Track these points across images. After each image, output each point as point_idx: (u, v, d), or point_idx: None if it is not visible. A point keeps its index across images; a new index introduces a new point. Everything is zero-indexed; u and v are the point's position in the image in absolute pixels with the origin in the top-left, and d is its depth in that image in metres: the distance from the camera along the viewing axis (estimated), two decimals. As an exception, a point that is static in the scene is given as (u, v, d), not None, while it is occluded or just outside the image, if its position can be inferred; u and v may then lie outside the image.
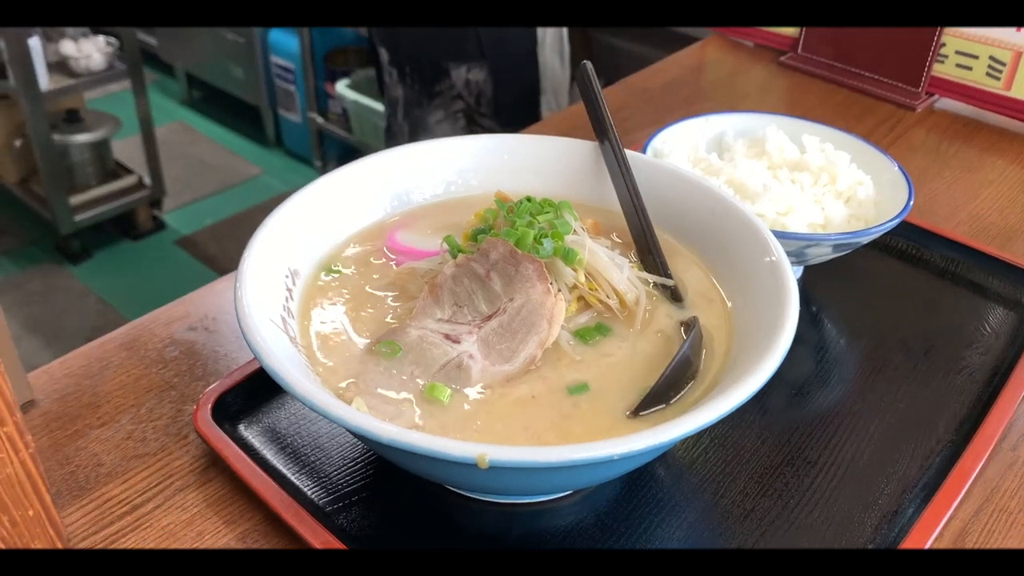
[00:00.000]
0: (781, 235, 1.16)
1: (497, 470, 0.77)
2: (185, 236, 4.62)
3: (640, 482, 1.02)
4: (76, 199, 4.30)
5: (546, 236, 0.99)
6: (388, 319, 1.00)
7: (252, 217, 4.52)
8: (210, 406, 1.07)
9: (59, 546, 0.89)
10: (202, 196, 4.93)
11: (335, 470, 1.02)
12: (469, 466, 0.76)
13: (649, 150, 1.33)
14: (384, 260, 1.09)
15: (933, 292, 1.35)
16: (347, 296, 1.03)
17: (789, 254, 1.18)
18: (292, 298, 1.00)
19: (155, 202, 4.65)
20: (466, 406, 0.89)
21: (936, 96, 1.93)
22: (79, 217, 4.30)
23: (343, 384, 0.92)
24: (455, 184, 1.19)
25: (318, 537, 0.93)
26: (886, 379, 1.18)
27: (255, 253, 0.97)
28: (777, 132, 1.38)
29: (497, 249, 0.98)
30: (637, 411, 0.88)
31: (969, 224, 1.53)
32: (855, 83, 1.98)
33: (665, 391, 0.90)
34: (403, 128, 3.29)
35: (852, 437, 1.09)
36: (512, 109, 3.13)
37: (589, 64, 1.17)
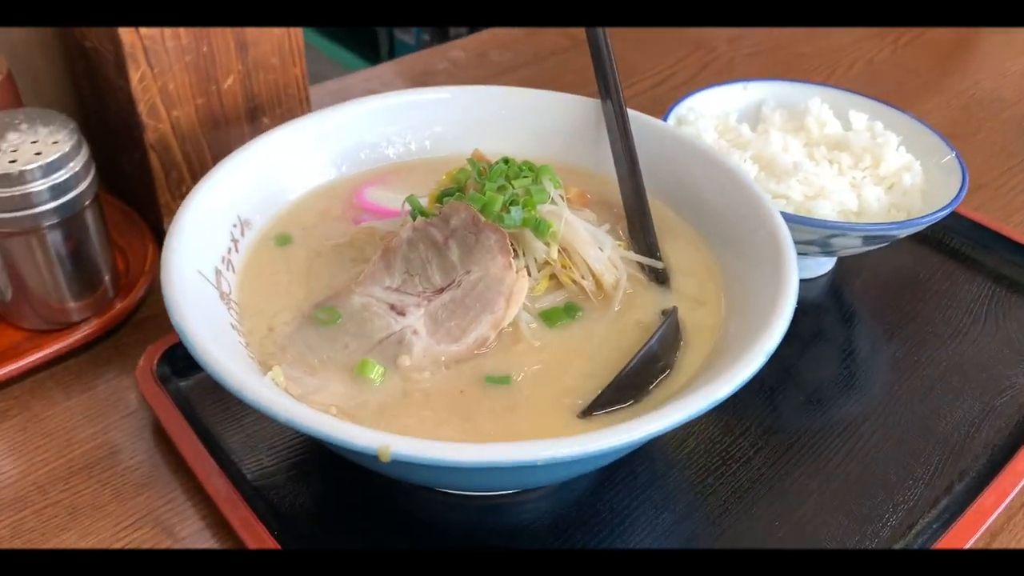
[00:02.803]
0: (802, 220, 1.02)
1: (411, 464, 0.67)
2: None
3: (618, 476, 0.91)
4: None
5: (517, 203, 0.87)
6: (338, 281, 0.91)
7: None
8: (155, 360, 1.00)
9: None
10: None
11: (266, 445, 0.94)
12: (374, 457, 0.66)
13: (672, 116, 1.19)
14: (351, 218, 0.99)
15: (984, 298, 1.19)
16: (299, 253, 0.94)
17: (812, 243, 1.04)
18: (237, 250, 0.91)
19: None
20: (399, 388, 0.79)
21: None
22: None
23: (273, 350, 0.83)
24: (439, 139, 1.08)
25: (237, 513, 0.85)
26: (913, 392, 1.04)
27: (199, 198, 0.89)
28: (820, 105, 1.23)
29: (459, 214, 0.87)
30: (589, 410, 0.77)
31: (1038, 224, 1.36)
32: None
33: (626, 388, 0.78)
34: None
35: (857, 454, 0.96)
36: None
37: None
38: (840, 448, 0.97)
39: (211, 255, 0.87)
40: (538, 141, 1.08)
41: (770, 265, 0.84)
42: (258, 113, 1.18)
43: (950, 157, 1.15)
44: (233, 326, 0.83)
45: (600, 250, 0.90)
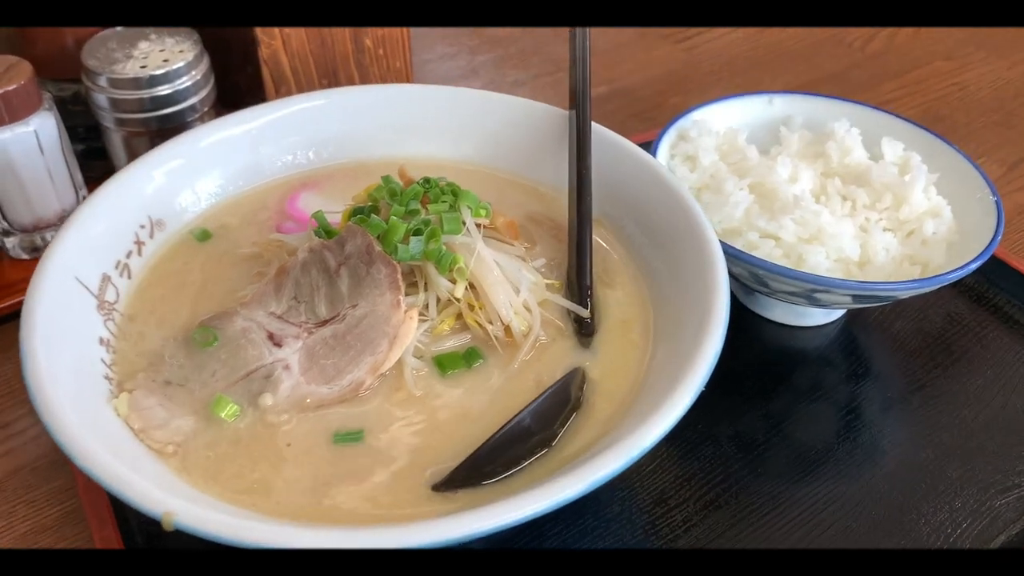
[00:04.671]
0: (774, 269, 0.89)
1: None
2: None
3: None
4: None
5: (422, 232, 0.78)
6: (242, 293, 0.84)
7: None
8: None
9: None
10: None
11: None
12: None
13: (673, 131, 1.07)
14: (274, 224, 0.92)
15: (1019, 371, 1.02)
16: (207, 260, 0.88)
17: (796, 295, 0.91)
18: (140, 253, 0.86)
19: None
20: (250, 432, 0.72)
21: None
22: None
23: (141, 367, 0.77)
24: (389, 142, 0.99)
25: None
26: (898, 479, 0.90)
27: (100, 198, 0.84)
28: (847, 130, 1.07)
29: (355, 240, 0.79)
30: (441, 485, 0.68)
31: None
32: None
33: (485, 465, 0.69)
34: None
35: (815, 539, 0.83)
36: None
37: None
38: (798, 525, 0.85)
39: (102, 259, 0.82)
40: (499, 151, 0.99)
41: (693, 333, 0.73)
42: (360, 34, 1.18)
43: (988, 204, 0.98)
44: (103, 340, 0.78)
45: (516, 291, 0.80)
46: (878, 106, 1.12)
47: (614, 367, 0.78)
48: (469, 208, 0.81)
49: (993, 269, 1.11)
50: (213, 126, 0.93)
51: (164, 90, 1.04)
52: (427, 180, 0.83)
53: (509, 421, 0.70)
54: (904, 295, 0.91)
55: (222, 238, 0.90)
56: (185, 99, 1.06)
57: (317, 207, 0.93)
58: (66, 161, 1.03)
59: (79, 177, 1.07)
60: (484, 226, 0.84)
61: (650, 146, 1.04)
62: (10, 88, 0.94)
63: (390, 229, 0.78)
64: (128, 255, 0.85)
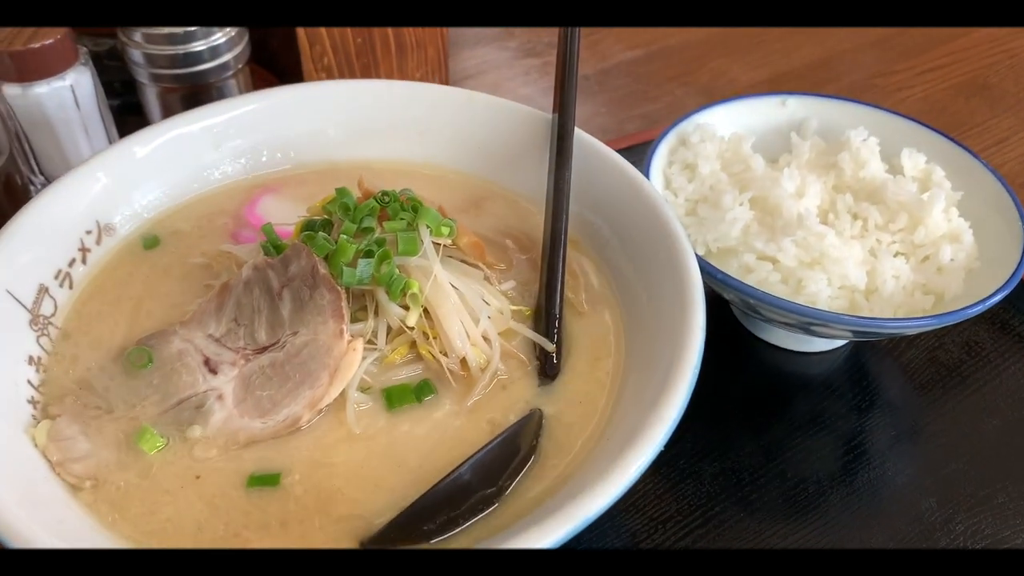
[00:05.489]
0: (765, 299, 0.81)
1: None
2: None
3: None
4: None
5: (372, 254, 0.72)
6: (186, 310, 0.79)
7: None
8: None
9: None
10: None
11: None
12: None
13: (673, 134, 0.99)
14: (230, 230, 0.86)
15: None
16: (151, 271, 0.82)
17: (790, 325, 0.83)
18: (84, 261, 0.81)
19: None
20: (174, 468, 0.67)
21: None
22: None
23: (69, 389, 0.72)
24: (361, 143, 0.92)
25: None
26: (885, 527, 0.83)
27: (45, 200, 0.78)
28: (865, 139, 0.98)
29: (299, 260, 0.73)
30: (371, 541, 0.62)
31: None
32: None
33: (419, 523, 0.62)
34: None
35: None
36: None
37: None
38: None
39: (41, 269, 0.77)
40: (480, 156, 0.92)
41: (661, 380, 0.66)
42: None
43: (1016, 229, 0.89)
44: (32, 358, 0.73)
45: (476, 321, 0.73)
46: (899, 112, 1.03)
47: (576, 411, 0.71)
48: (428, 227, 0.75)
49: (1018, 293, 1.02)
50: (171, 123, 0.87)
51: (199, 46, 1.04)
52: (386, 194, 0.77)
53: (447, 476, 0.64)
54: (910, 333, 0.83)
55: (172, 246, 0.84)
56: (219, 56, 1.05)
57: (278, 213, 0.87)
58: (101, 116, 1.04)
59: (114, 132, 1.08)
60: (446, 246, 0.77)
61: (648, 148, 0.96)
62: (46, 43, 0.95)
63: (338, 250, 0.72)
64: (71, 263, 0.80)
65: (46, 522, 0.59)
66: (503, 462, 0.65)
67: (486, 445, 0.66)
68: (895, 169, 0.98)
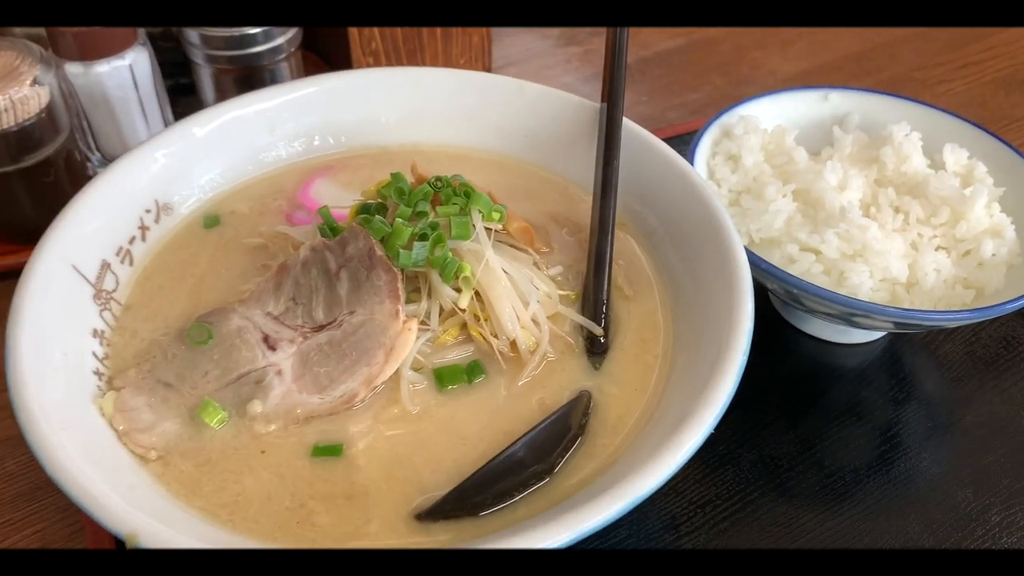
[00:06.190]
0: (809, 289, 0.82)
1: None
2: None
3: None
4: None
5: (426, 238, 0.74)
6: (243, 288, 0.81)
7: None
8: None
9: None
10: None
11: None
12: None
13: (716, 126, 1.00)
14: (284, 213, 0.89)
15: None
16: (213, 249, 0.85)
17: (831, 315, 0.85)
18: (144, 239, 0.84)
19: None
20: (236, 441, 0.69)
21: None
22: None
23: (134, 363, 0.75)
24: (412, 127, 0.94)
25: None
26: (912, 511, 0.84)
27: (105, 179, 0.81)
28: (907, 133, 0.99)
29: (356, 242, 0.75)
30: (427, 515, 0.64)
31: None
32: None
33: (473, 497, 0.65)
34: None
35: None
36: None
37: None
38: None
39: (103, 245, 0.79)
40: (530, 142, 0.93)
41: (711, 364, 0.67)
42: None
43: (1058, 225, 0.90)
44: (96, 332, 0.75)
45: (525, 304, 0.75)
46: (943, 108, 1.04)
47: (624, 393, 0.73)
48: (480, 212, 0.76)
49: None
50: (227, 105, 0.89)
51: (253, 29, 1.07)
52: (439, 179, 0.79)
53: (503, 452, 0.66)
54: (950, 325, 0.84)
55: (230, 226, 0.86)
56: (272, 39, 1.10)
57: (331, 195, 0.89)
58: (157, 95, 1.08)
59: (168, 111, 1.12)
60: (496, 231, 0.79)
61: (693, 137, 0.97)
62: None
63: (394, 233, 0.74)
64: (131, 241, 0.82)
65: (117, 485, 0.61)
66: (554, 441, 0.68)
67: (538, 424, 0.68)
68: (937, 164, 0.99)
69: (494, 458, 0.65)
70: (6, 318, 0.67)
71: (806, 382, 0.96)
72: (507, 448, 0.66)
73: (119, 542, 0.73)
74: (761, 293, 1.00)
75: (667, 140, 0.91)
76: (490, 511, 0.64)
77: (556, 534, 0.56)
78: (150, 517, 0.59)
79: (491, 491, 0.65)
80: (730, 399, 0.64)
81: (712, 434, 0.61)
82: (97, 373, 0.73)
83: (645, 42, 1.49)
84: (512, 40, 1.50)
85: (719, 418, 0.63)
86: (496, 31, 1.46)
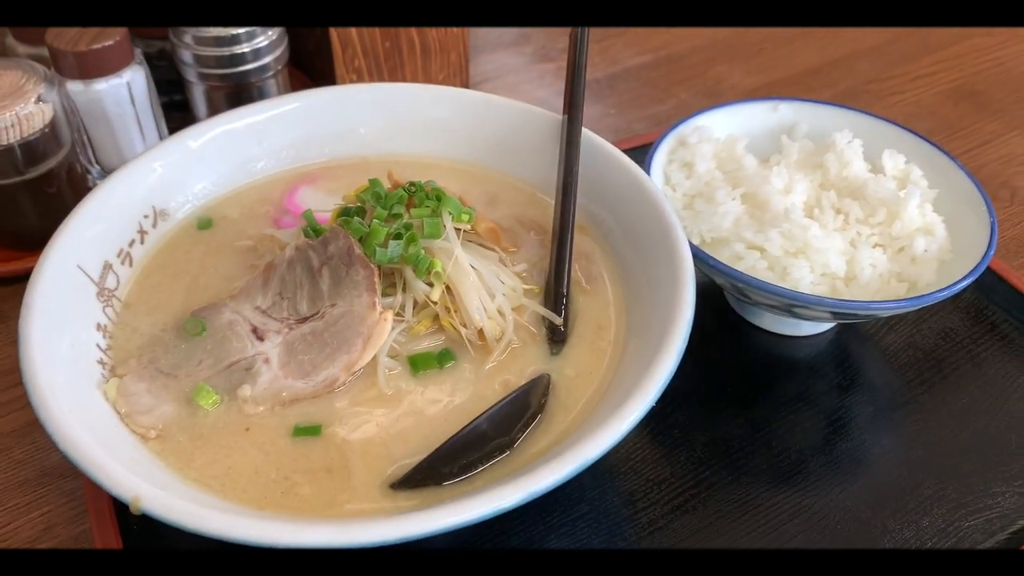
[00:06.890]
0: (754, 284, 0.90)
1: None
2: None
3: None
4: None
5: (401, 237, 0.81)
6: (234, 286, 0.88)
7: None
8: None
9: None
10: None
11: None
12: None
13: (672, 136, 1.08)
14: (272, 217, 0.96)
15: (1011, 389, 1.02)
16: (206, 250, 0.92)
17: (775, 308, 0.92)
18: (143, 242, 0.91)
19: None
20: (227, 421, 0.77)
21: None
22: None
23: (134, 354, 0.82)
24: (390, 139, 1.02)
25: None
26: (867, 490, 0.91)
27: (107, 187, 0.88)
28: (850, 141, 1.07)
29: (337, 241, 0.82)
30: (399, 484, 0.72)
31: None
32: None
33: (440, 467, 0.72)
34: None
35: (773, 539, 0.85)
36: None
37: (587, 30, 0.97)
38: (763, 534, 0.87)
39: (105, 247, 0.87)
40: (498, 152, 1.01)
41: (654, 346, 0.75)
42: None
43: (984, 223, 0.98)
44: (100, 326, 0.82)
45: (491, 296, 0.82)
46: (885, 117, 1.12)
47: (580, 375, 0.80)
48: (450, 213, 0.84)
49: (991, 285, 1.11)
50: (219, 119, 0.97)
51: (243, 48, 1.15)
52: (413, 184, 0.86)
53: (467, 425, 0.73)
54: (883, 314, 0.92)
55: (222, 229, 0.94)
56: (261, 58, 1.17)
57: (315, 201, 0.97)
58: (152, 111, 1.16)
59: (163, 126, 1.19)
60: (466, 231, 0.86)
61: (650, 148, 1.05)
62: (108, 44, 1.07)
63: (371, 233, 0.81)
64: (131, 244, 0.89)
65: (121, 458, 0.68)
66: (515, 416, 0.75)
67: (500, 400, 0.75)
68: (877, 169, 1.07)
69: (459, 432, 0.73)
70: (13, 318, 0.73)
71: (758, 372, 1.03)
72: (471, 423, 0.73)
73: (119, 531, 0.81)
74: (716, 293, 1.08)
75: (632, 149, 0.99)
76: (454, 481, 0.72)
77: (511, 494, 0.63)
78: (151, 485, 0.66)
79: (457, 463, 0.72)
80: (671, 374, 0.71)
81: (665, 420, 0.68)
82: (101, 362, 0.80)
83: (615, 59, 1.57)
84: (488, 57, 1.58)
85: (662, 390, 0.70)
86: (473, 48, 1.54)
